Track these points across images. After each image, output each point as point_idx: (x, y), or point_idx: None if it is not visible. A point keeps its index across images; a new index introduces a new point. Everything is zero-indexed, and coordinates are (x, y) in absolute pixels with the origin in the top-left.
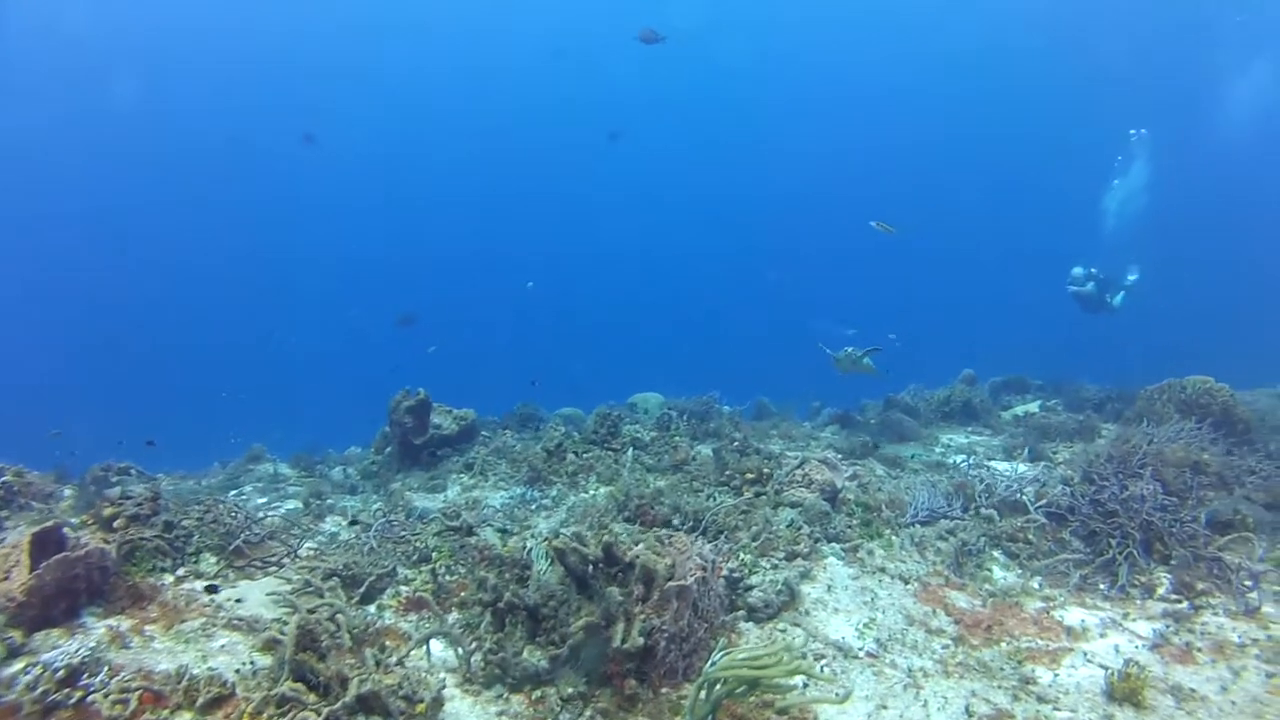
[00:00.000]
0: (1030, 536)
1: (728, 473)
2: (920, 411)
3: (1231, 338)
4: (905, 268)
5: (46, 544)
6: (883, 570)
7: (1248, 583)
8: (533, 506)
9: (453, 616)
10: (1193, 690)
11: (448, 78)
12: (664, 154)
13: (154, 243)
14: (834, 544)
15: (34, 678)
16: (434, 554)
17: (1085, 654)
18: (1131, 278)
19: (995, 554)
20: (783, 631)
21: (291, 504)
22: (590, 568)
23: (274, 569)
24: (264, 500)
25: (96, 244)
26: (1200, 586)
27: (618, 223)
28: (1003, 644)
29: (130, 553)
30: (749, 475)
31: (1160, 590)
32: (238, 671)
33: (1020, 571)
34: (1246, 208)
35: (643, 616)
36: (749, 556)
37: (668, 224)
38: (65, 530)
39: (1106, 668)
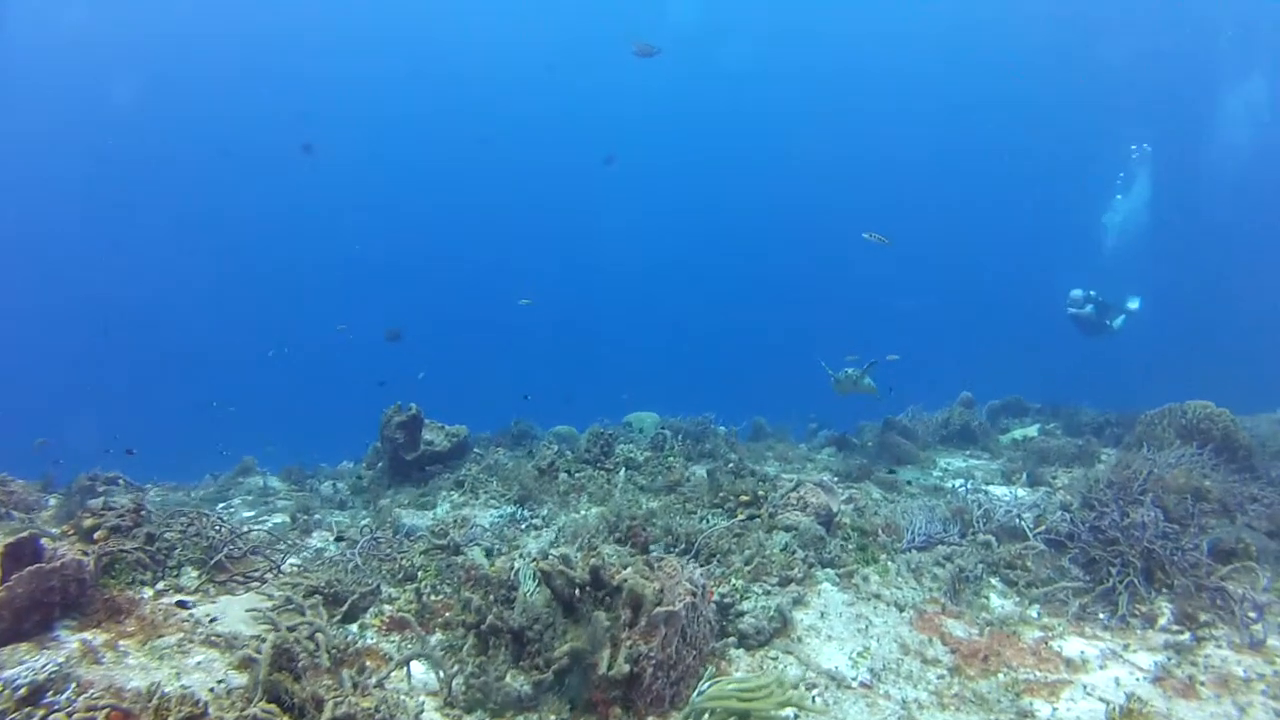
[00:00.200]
0: (1029, 563)
1: (722, 494)
2: (918, 434)
3: (1231, 361)
4: (902, 287)
5: (21, 555)
6: (878, 597)
7: (1252, 614)
8: (523, 526)
9: (436, 638)
10: None
11: (446, 85)
12: (663, 165)
13: (153, 247)
14: (828, 569)
15: None
16: (420, 573)
17: (1085, 686)
18: (1132, 305)
19: (993, 581)
20: (774, 659)
21: (279, 518)
22: (577, 591)
23: (256, 584)
24: (252, 514)
25: (94, 248)
26: (1203, 617)
27: (616, 235)
28: (1000, 675)
29: (110, 565)
30: (743, 497)
31: (1161, 620)
32: (211, 690)
33: (1018, 599)
34: (1246, 227)
35: (629, 642)
36: (741, 581)
37: (667, 237)
38: (42, 541)
39: (1107, 701)
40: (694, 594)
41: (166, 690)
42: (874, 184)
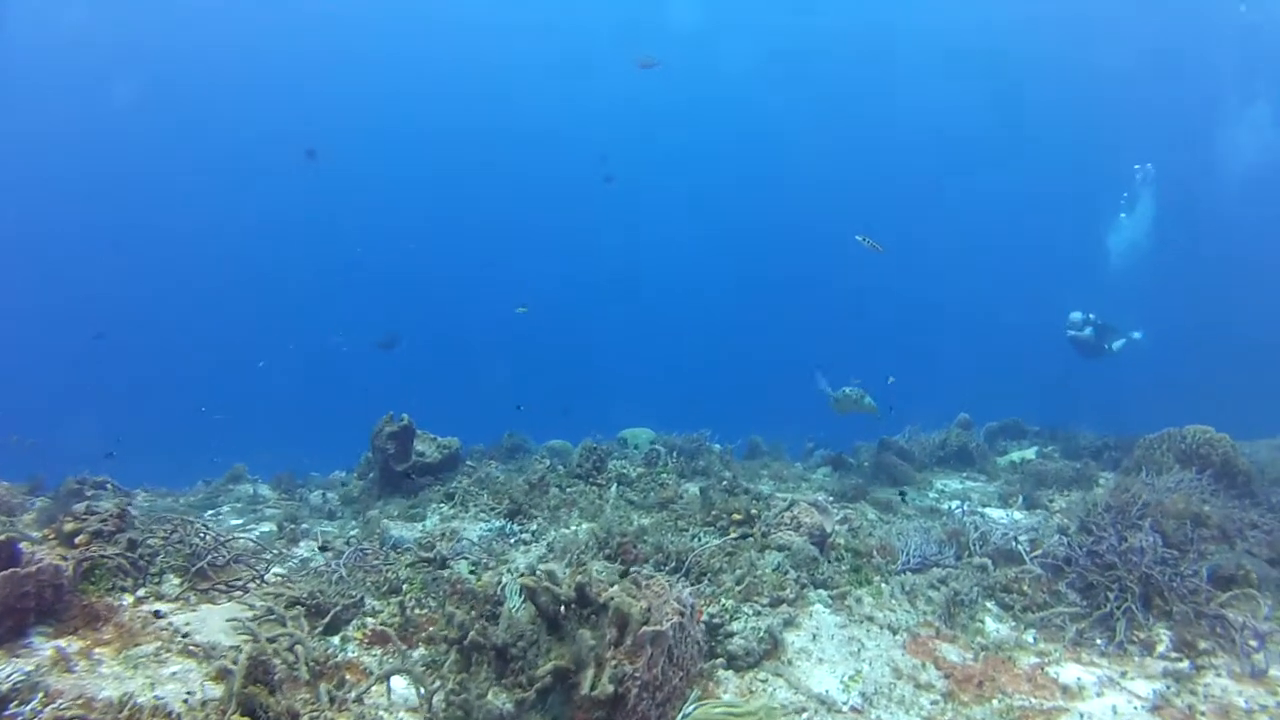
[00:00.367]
0: (1025, 587)
1: (714, 512)
2: (915, 455)
3: (1230, 386)
4: (902, 304)
5: None
6: (871, 619)
7: (1253, 643)
8: (511, 540)
9: (419, 652)
10: None
11: (445, 87)
12: (664, 171)
13: (152, 248)
14: (821, 590)
15: None
16: (405, 585)
17: (1081, 714)
18: (1135, 335)
19: (988, 605)
20: (764, 682)
21: (267, 526)
22: (562, 608)
23: (239, 594)
24: (240, 521)
25: (93, 249)
26: (1202, 645)
27: (615, 240)
28: (994, 701)
29: (90, 570)
30: (736, 516)
31: (1160, 648)
32: (185, 701)
33: (1014, 624)
34: (1249, 251)
35: (614, 662)
36: (731, 601)
37: (667, 247)
38: (21, 545)
39: None
40: (682, 613)
41: (139, 701)
42: (874, 198)
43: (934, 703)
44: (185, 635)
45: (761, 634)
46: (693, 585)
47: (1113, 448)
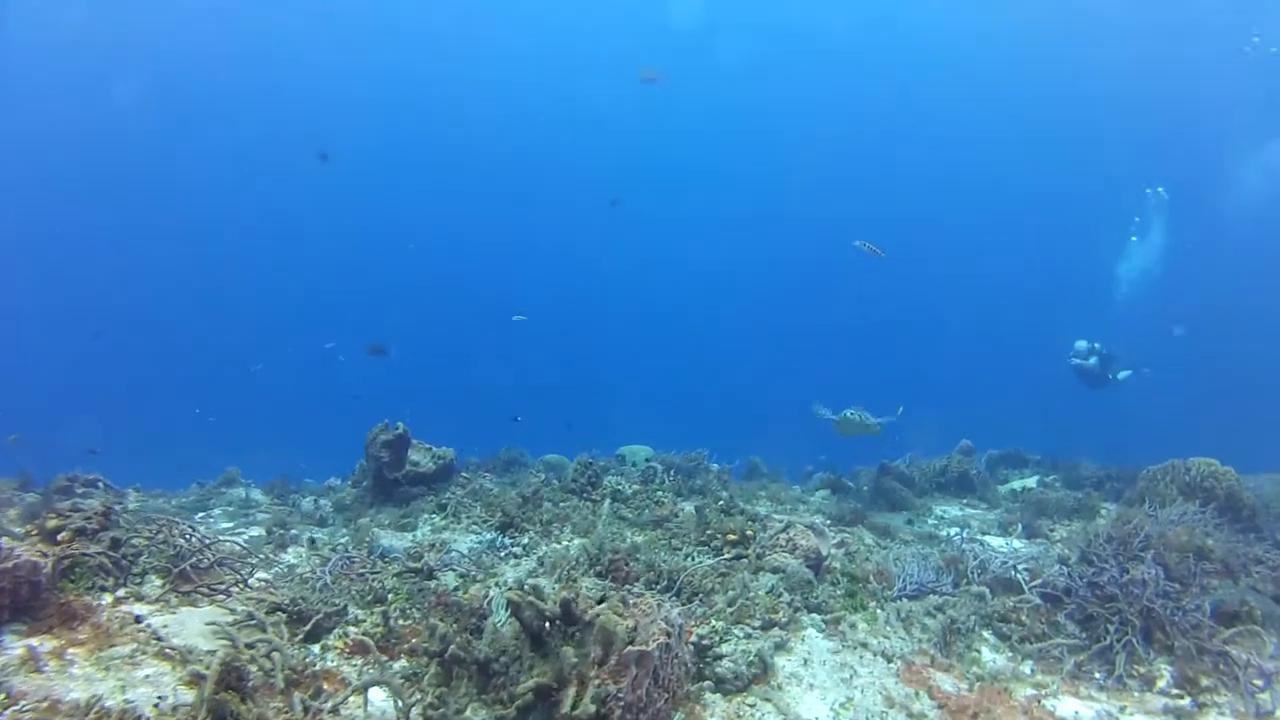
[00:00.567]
0: (1023, 618)
1: (709, 532)
2: (915, 480)
3: (1235, 420)
4: (904, 331)
5: None
6: (865, 646)
7: (1258, 682)
8: (501, 553)
9: (400, 664)
10: None
11: (444, 90)
12: (664, 178)
13: (153, 247)
14: (815, 614)
15: None
16: (390, 595)
17: None
18: (1122, 375)
19: (985, 634)
20: (751, 706)
21: (256, 530)
22: (547, 624)
23: (220, 597)
24: (230, 525)
25: (93, 249)
26: (1205, 682)
27: (616, 256)
28: None
29: (70, 568)
30: (731, 536)
31: (1160, 683)
32: (155, 706)
33: (1011, 654)
34: (1259, 285)
35: (597, 681)
36: (722, 623)
37: (670, 257)
38: (1, 540)
39: None
40: (669, 633)
41: (108, 704)
42: (877, 209)
43: None
44: (160, 635)
45: (751, 657)
46: (683, 605)
47: (1115, 478)
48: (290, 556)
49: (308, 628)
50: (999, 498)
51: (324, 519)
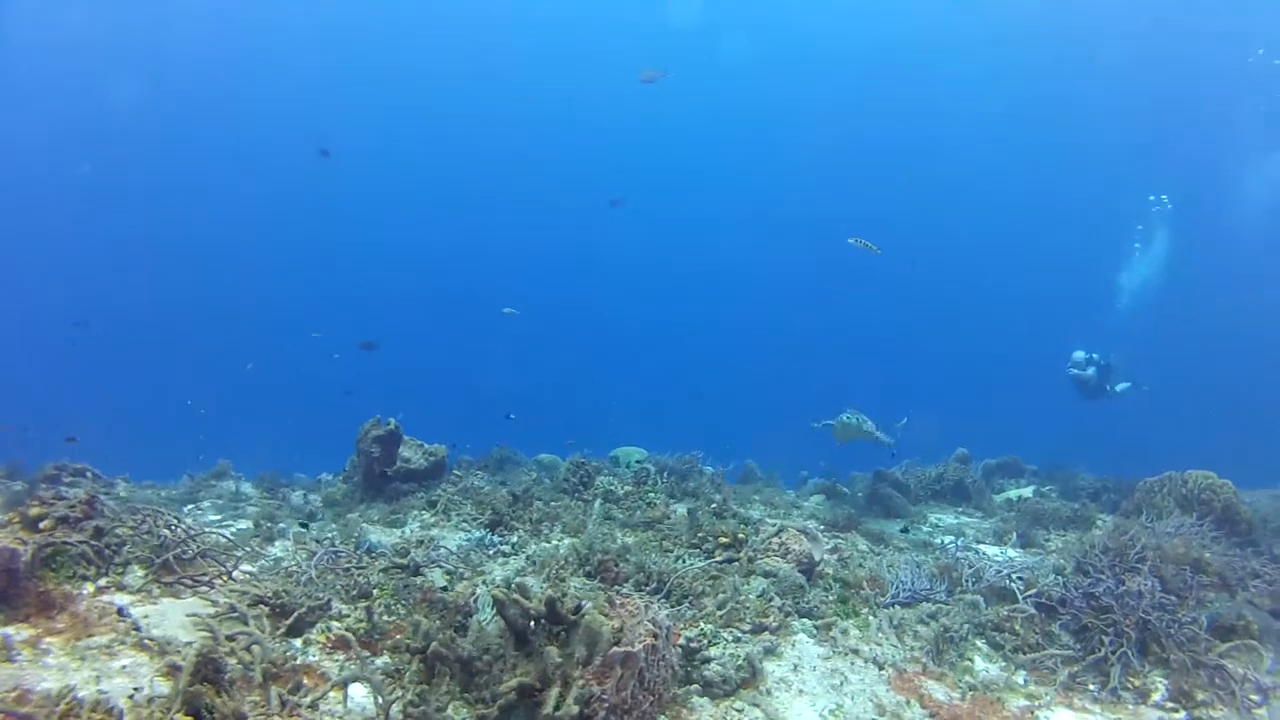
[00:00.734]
0: (1017, 627)
1: (701, 535)
2: (910, 488)
3: (1233, 434)
4: (903, 338)
5: None
6: (856, 652)
7: (1255, 697)
8: (490, 551)
9: (382, 660)
10: None
11: (444, 88)
12: (664, 176)
13: (153, 246)
14: (806, 620)
15: None
16: (376, 591)
17: None
18: (1144, 387)
19: (978, 643)
20: (739, 711)
21: (245, 524)
22: (532, 623)
23: (203, 589)
24: (218, 518)
25: (93, 249)
26: (1200, 696)
27: (615, 256)
28: None
29: (51, 557)
30: (723, 539)
31: (1155, 696)
32: (130, 698)
33: (1004, 664)
34: (1262, 299)
35: (581, 682)
36: (711, 626)
37: (668, 264)
38: None
39: None
40: (656, 635)
41: (80, 695)
42: (878, 214)
43: None
44: (138, 629)
45: (740, 661)
46: (673, 607)
47: (1111, 490)
48: (277, 550)
49: (290, 621)
50: (994, 506)
51: (313, 513)
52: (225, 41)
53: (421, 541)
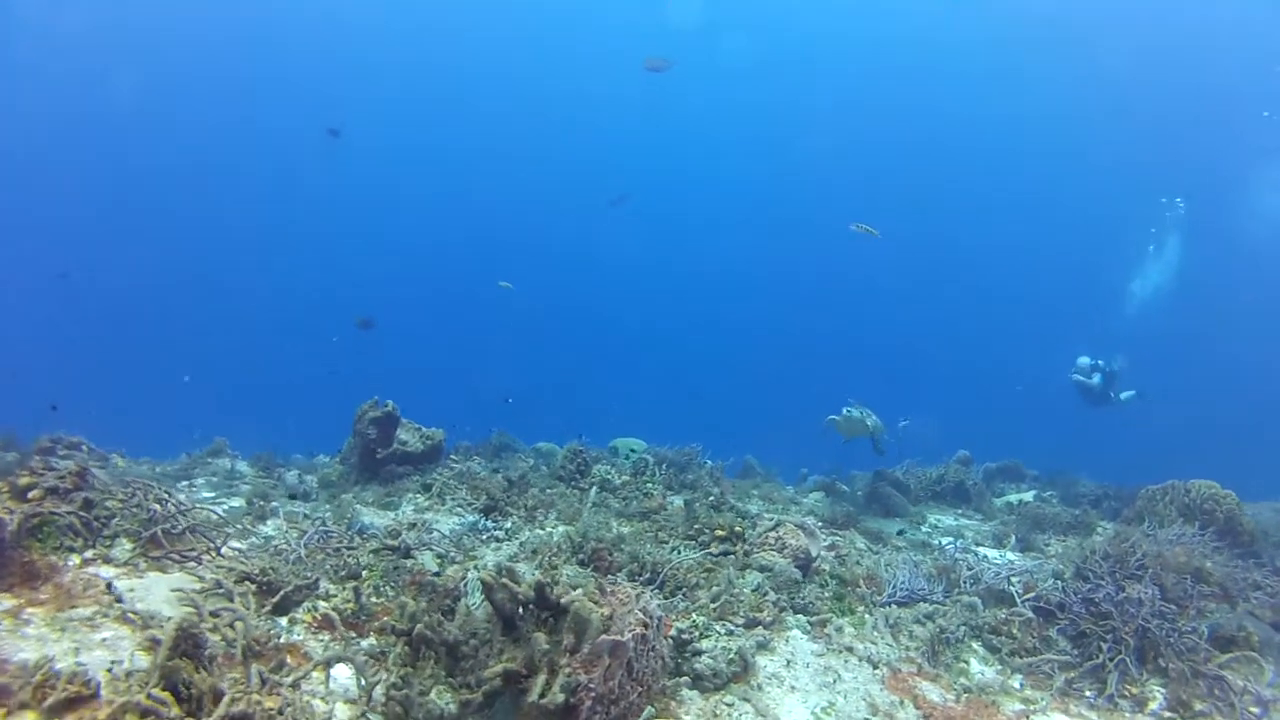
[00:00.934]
0: (1014, 631)
1: (697, 526)
2: (910, 488)
3: (1236, 446)
4: (905, 339)
5: None
6: (850, 650)
7: (1254, 709)
8: (484, 537)
9: (368, 642)
10: None
11: (444, 85)
12: (665, 175)
13: (154, 246)
14: (801, 616)
15: None
16: (365, 572)
17: None
18: (1148, 397)
19: (975, 645)
20: (729, 705)
21: (238, 502)
22: (520, 609)
23: (191, 564)
24: (212, 495)
25: (93, 248)
26: (1198, 706)
27: (615, 253)
28: None
29: (39, 527)
30: (719, 532)
31: (1152, 705)
32: (109, 671)
33: (1000, 668)
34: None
35: (568, 670)
36: (703, 618)
37: (668, 263)
38: None
39: None
40: (646, 624)
41: (58, 666)
42: (879, 221)
43: None
44: (121, 601)
45: (732, 655)
46: (666, 599)
47: (1112, 497)
48: (269, 528)
49: (276, 599)
50: (995, 510)
51: (307, 493)
52: (227, 38)
53: (414, 524)
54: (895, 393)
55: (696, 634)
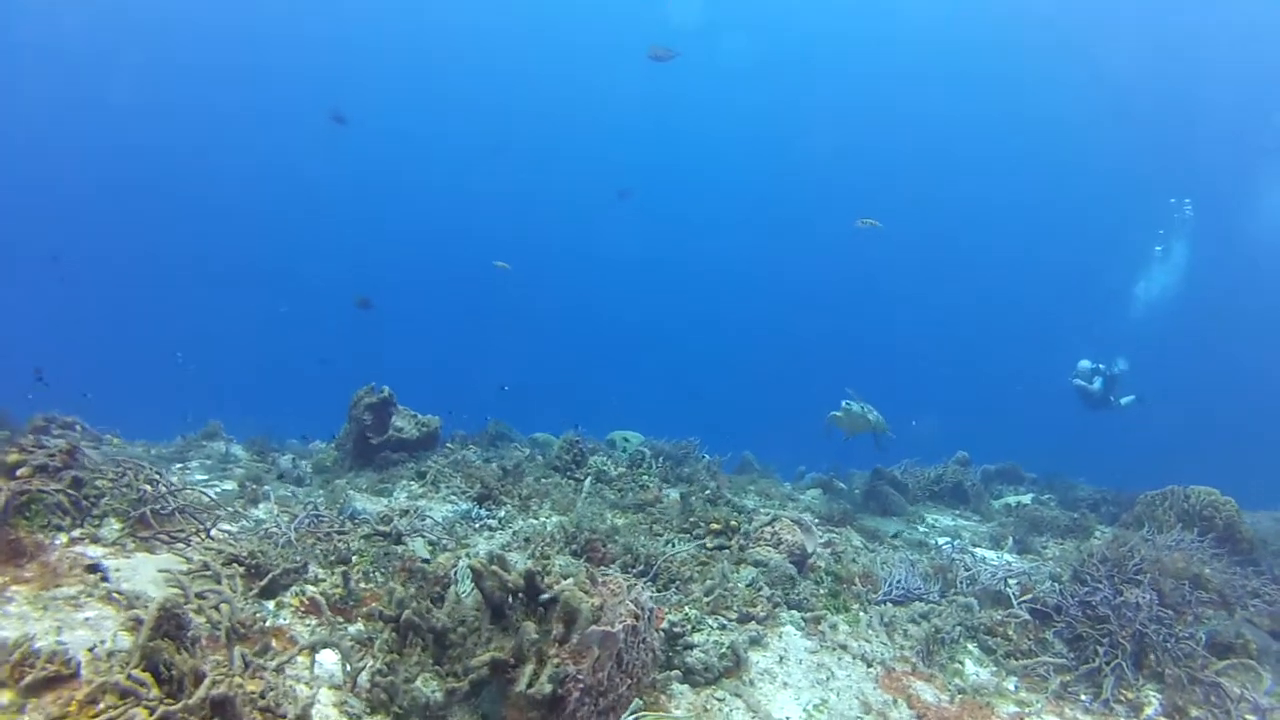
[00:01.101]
0: (1010, 632)
1: (693, 520)
2: (908, 487)
3: (1236, 453)
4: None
5: None
6: (844, 648)
7: (1251, 717)
8: (476, 525)
9: (355, 627)
10: None
11: (445, 83)
12: (665, 173)
13: (155, 243)
14: (795, 612)
15: None
16: (355, 557)
17: None
18: (1149, 402)
19: (970, 646)
20: (720, 700)
21: (230, 485)
22: (510, 597)
23: (179, 545)
24: (205, 478)
25: (93, 248)
26: (1195, 713)
27: (615, 251)
28: None
29: (26, 505)
30: (715, 526)
31: (1148, 710)
32: (91, 651)
33: (995, 669)
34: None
35: (557, 660)
36: (696, 612)
37: (667, 261)
38: None
39: None
40: (637, 616)
41: (38, 645)
42: (881, 222)
43: None
44: (107, 580)
45: (724, 650)
46: (659, 591)
47: (1111, 501)
48: (260, 512)
49: (264, 583)
50: (992, 511)
51: (300, 478)
52: (230, 24)
53: (407, 511)
54: (895, 393)
55: (689, 627)
